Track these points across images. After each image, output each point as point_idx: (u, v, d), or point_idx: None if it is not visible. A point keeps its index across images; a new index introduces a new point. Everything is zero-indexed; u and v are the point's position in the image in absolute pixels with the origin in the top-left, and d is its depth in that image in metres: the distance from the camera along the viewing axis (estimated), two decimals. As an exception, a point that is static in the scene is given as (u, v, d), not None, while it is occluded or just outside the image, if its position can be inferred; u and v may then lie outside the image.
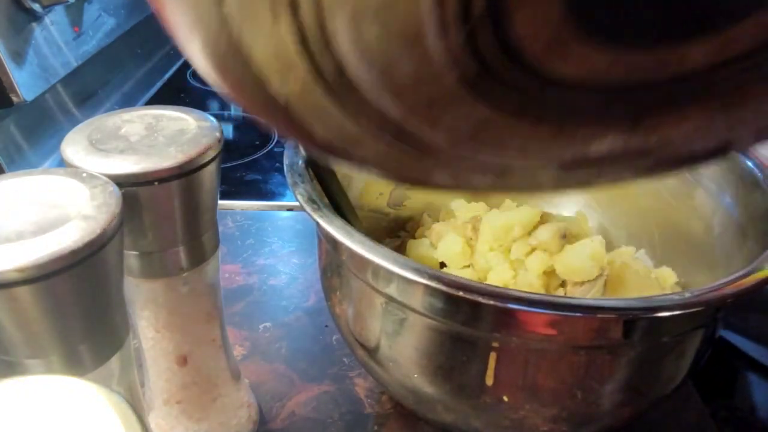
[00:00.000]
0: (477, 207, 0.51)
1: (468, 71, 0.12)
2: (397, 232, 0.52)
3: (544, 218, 0.48)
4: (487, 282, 0.43)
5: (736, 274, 0.30)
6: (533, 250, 0.44)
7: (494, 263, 0.44)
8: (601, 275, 0.42)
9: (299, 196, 0.33)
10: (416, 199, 0.52)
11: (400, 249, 0.45)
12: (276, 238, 0.60)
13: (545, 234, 0.43)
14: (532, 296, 0.28)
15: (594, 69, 0.12)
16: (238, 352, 0.47)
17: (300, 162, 0.36)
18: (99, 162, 0.27)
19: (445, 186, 0.18)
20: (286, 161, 0.36)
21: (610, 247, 0.49)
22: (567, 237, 0.44)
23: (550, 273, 0.44)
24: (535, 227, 0.45)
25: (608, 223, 0.50)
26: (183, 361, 0.35)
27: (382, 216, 0.51)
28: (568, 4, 0.11)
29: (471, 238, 0.47)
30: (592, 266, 0.42)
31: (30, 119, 0.72)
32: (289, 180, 0.34)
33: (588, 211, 0.51)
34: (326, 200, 0.35)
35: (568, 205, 0.52)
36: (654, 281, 0.43)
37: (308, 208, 0.32)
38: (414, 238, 0.50)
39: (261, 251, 0.59)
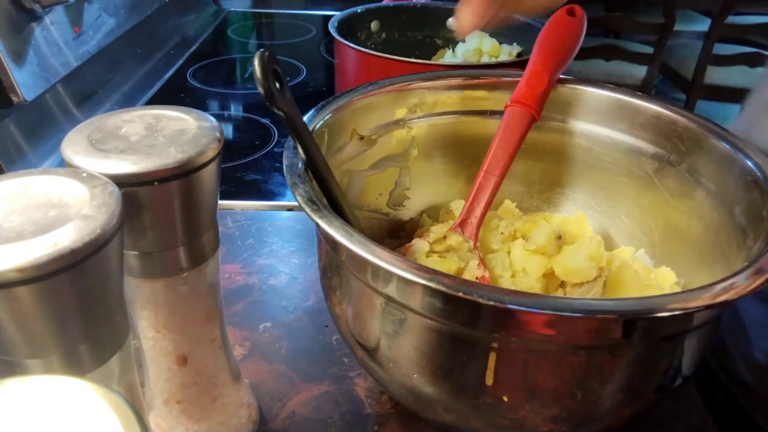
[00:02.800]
0: None
1: None
2: (396, 233, 0.52)
3: (540, 220, 0.48)
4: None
5: (736, 276, 0.30)
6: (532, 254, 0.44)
7: (491, 267, 0.45)
8: (600, 276, 0.42)
9: (299, 197, 0.33)
10: (416, 199, 0.52)
11: (400, 249, 0.45)
12: (276, 238, 0.60)
13: (540, 237, 0.43)
14: (532, 297, 0.28)
15: None
16: (238, 352, 0.47)
17: (299, 163, 0.36)
18: (99, 162, 0.27)
19: None
20: (285, 162, 0.36)
21: (609, 246, 0.49)
22: (564, 238, 0.44)
23: (549, 274, 0.44)
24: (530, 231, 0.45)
25: (608, 223, 0.50)
26: (183, 361, 0.35)
27: (381, 216, 0.51)
28: None
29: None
30: (591, 267, 0.42)
31: (30, 119, 0.72)
32: (288, 181, 0.34)
33: (587, 211, 0.51)
34: (325, 201, 0.35)
35: (567, 205, 0.52)
36: (653, 281, 0.43)
37: (308, 209, 0.32)
38: (413, 238, 0.50)
39: (261, 251, 0.59)
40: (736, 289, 0.29)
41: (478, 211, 0.45)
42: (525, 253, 0.44)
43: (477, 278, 0.42)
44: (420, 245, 0.43)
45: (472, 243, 0.44)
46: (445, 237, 0.44)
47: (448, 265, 0.42)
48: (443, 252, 0.43)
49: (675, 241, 0.45)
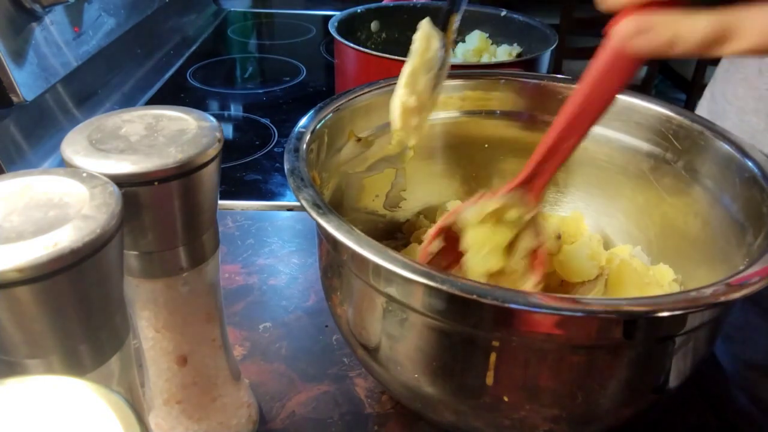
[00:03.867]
0: None
1: None
2: (393, 234, 0.52)
3: (539, 220, 0.48)
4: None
5: (740, 274, 0.30)
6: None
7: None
8: (601, 275, 0.42)
9: (304, 201, 0.33)
10: (412, 200, 0.52)
11: (397, 251, 0.44)
12: (276, 238, 0.60)
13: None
14: (533, 296, 0.28)
15: None
16: (238, 352, 0.47)
17: (301, 166, 0.36)
18: (99, 162, 0.27)
19: None
20: (287, 166, 0.36)
21: (606, 245, 0.49)
22: (563, 237, 0.44)
23: (549, 274, 0.44)
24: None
25: (604, 222, 0.50)
26: (183, 361, 0.35)
27: (378, 218, 0.51)
28: None
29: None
30: (592, 266, 0.42)
31: (30, 119, 0.72)
32: (291, 185, 0.34)
33: (583, 209, 0.51)
34: (328, 202, 0.35)
35: (563, 204, 0.52)
36: (652, 278, 0.43)
37: (313, 213, 0.32)
38: (410, 240, 0.50)
39: (261, 251, 0.59)
40: (739, 288, 0.29)
41: (547, 173, 0.38)
42: (524, 253, 0.44)
43: (532, 249, 0.39)
44: (472, 213, 0.38)
45: (533, 213, 0.39)
46: (502, 208, 0.38)
47: (500, 237, 0.38)
48: (496, 222, 0.38)
49: (672, 238, 0.45)
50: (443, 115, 0.50)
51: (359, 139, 0.46)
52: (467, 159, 0.51)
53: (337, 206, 0.45)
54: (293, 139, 0.39)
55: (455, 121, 0.50)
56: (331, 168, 0.44)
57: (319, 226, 0.32)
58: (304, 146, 0.38)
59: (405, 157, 0.50)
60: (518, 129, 0.50)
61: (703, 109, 0.68)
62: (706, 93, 0.69)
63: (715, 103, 0.61)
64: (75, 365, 0.24)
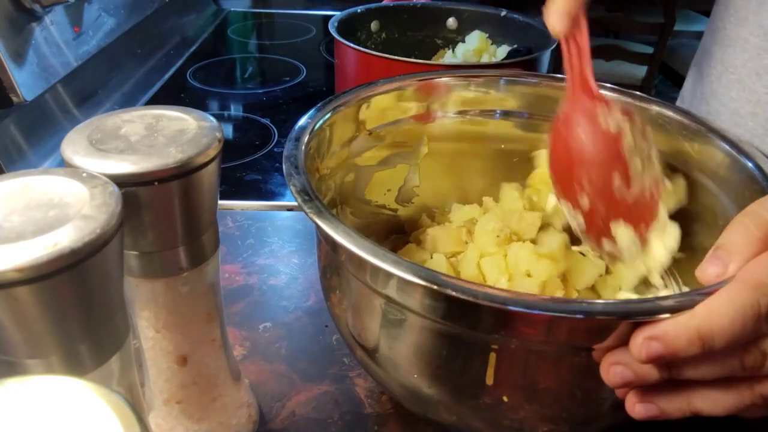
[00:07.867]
0: (472, 210, 0.51)
1: None
2: (394, 232, 0.52)
3: (545, 224, 0.48)
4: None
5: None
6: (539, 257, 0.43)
7: (487, 270, 0.44)
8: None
9: (292, 187, 0.33)
10: (423, 196, 0.52)
11: (396, 249, 0.44)
12: (276, 238, 0.60)
13: (554, 243, 0.43)
14: (532, 298, 0.28)
15: None
16: (238, 352, 0.47)
17: (299, 155, 0.36)
18: (99, 162, 0.27)
19: None
20: (285, 153, 0.36)
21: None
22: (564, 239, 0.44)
23: (547, 282, 0.43)
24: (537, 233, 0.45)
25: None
26: (183, 361, 0.35)
27: (389, 212, 0.51)
28: None
29: (466, 242, 0.47)
30: (596, 268, 0.42)
31: (30, 119, 0.72)
32: (285, 171, 0.35)
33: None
34: (318, 194, 0.35)
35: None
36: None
37: (299, 198, 0.32)
38: (410, 240, 0.50)
39: (261, 251, 0.59)
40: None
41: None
42: (533, 255, 0.43)
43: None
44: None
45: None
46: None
47: None
48: None
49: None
50: (445, 115, 0.50)
51: (370, 132, 0.46)
52: (467, 159, 0.51)
53: (345, 198, 0.45)
54: (293, 139, 0.39)
55: (455, 121, 0.50)
56: (338, 161, 0.44)
57: (318, 227, 0.32)
58: (303, 146, 0.38)
59: (419, 154, 0.50)
60: (518, 129, 0.50)
61: (684, 101, 0.66)
62: (687, 82, 0.66)
63: (707, 103, 0.60)
64: (75, 365, 0.24)
